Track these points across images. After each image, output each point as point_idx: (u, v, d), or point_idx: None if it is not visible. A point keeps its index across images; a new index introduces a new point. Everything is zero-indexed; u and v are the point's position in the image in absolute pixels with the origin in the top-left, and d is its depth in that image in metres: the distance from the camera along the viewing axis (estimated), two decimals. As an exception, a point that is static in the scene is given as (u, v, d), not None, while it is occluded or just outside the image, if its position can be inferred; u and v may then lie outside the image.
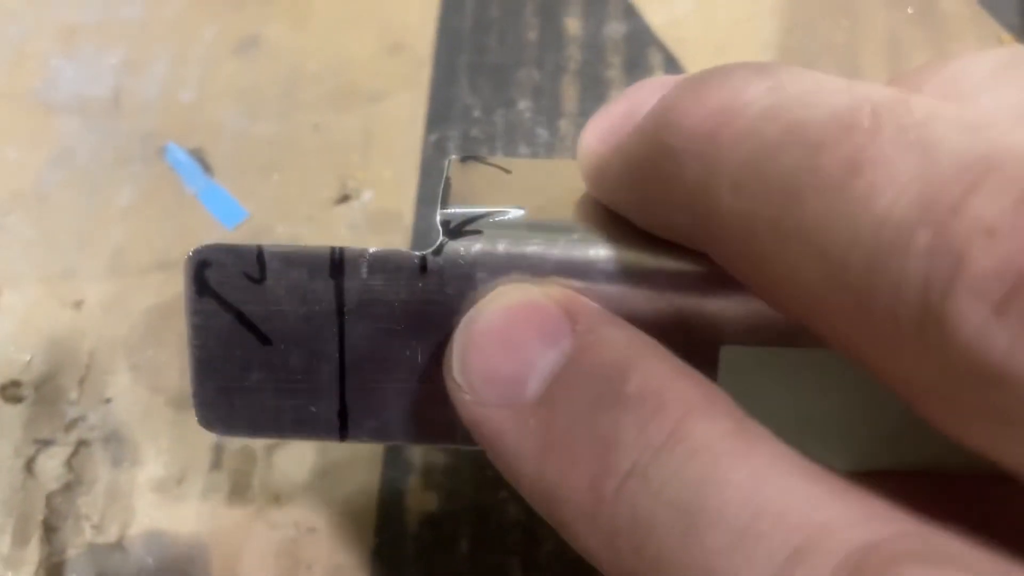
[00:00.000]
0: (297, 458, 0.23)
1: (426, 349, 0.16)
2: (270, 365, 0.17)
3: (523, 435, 0.14)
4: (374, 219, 0.25)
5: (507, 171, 0.17)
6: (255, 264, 0.16)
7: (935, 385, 0.11)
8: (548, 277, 0.16)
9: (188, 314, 0.16)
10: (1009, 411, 0.10)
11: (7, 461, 0.23)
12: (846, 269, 0.11)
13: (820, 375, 0.16)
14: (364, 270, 0.16)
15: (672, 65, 0.27)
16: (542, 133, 0.26)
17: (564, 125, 0.26)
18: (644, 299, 0.16)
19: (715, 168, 0.13)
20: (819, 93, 0.12)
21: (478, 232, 0.16)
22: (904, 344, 0.11)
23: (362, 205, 0.25)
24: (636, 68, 0.27)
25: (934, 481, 0.15)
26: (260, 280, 0.16)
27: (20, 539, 0.22)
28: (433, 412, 0.17)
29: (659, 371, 0.13)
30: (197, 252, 0.16)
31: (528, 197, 0.16)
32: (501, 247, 0.16)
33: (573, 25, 0.28)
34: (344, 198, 0.26)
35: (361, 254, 0.16)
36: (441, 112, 0.27)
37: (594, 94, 0.27)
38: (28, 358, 0.24)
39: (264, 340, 0.16)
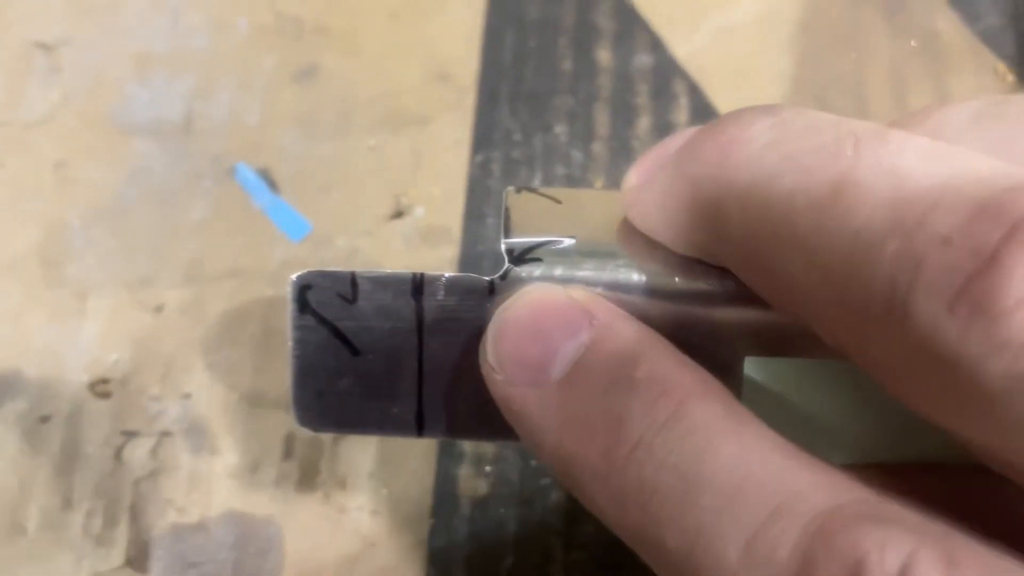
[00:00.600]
0: (360, 448, 0.25)
1: None
2: (358, 373, 0.19)
3: (546, 411, 0.16)
4: (426, 233, 0.28)
5: (558, 201, 0.20)
6: (348, 287, 0.19)
7: (902, 367, 0.13)
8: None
9: (290, 328, 0.19)
10: (962, 387, 0.12)
11: (98, 450, 0.25)
12: (830, 272, 0.14)
13: (827, 381, 0.19)
14: (440, 292, 0.19)
15: (695, 92, 0.29)
16: (577, 155, 0.29)
17: (597, 148, 0.29)
18: (677, 314, 0.18)
19: (725, 189, 0.15)
20: (813, 128, 0.15)
21: (538, 260, 0.18)
22: (876, 333, 0.13)
23: (414, 220, 0.28)
24: (662, 96, 0.30)
25: (922, 471, 0.17)
26: (352, 300, 0.19)
27: (110, 521, 0.25)
28: (494, 412, 0.19)
29: (664, 361, 0.16)
30: (300, 277, 0.19)
31: (577, 226, 0.19)
32: (558, 272, 0.18)
33: (604, 57, 0.30)
34: (398, 214, 0.28)
35: (438, 278, 0.19)
36: (484, 135, 0.29)
37: (624, 119, 0.29)
38: (114, 358, 0.26)
39: (354, 351, 0.19)
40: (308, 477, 0.25)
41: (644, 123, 0.29)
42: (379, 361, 0.19)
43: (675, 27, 0.31)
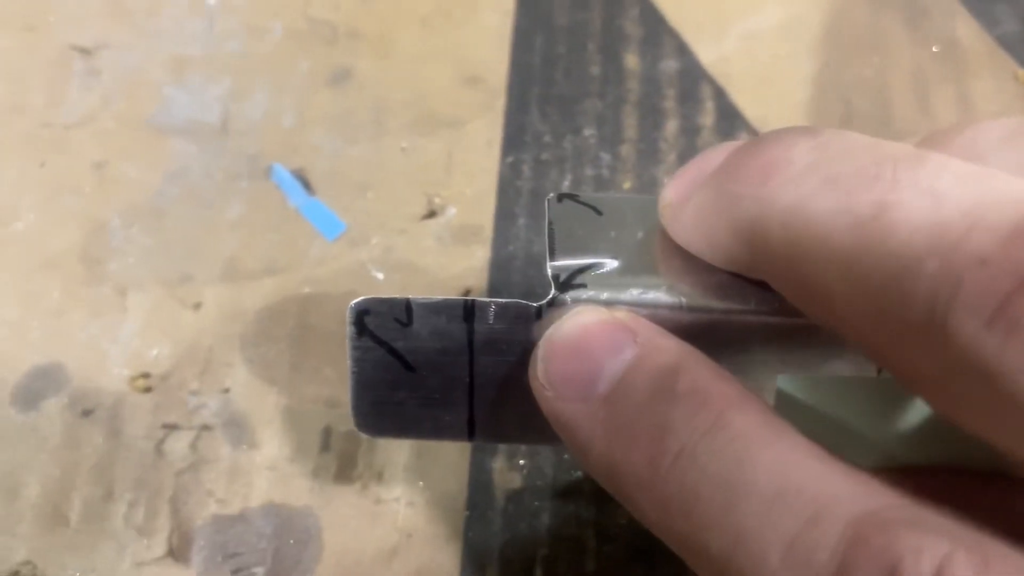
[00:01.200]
0: (397, 442, 0.26)
1: None
2: (413, 386, 0.20)
3: (593, 424, 0.17)
4: (458, 232, 0.28)
5: (599, 212, 0.20)
6: (404, 312, 0.20)
7: (941, 379, 0.14)
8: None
9: (349, 348, 0.20)
10: (999, 399, 0.13)
11: (139, 443, 0.26)
12: (870, 288, 0.14)
13: (854, 394, 0.20)
14: (490, 317, 0.20)
15: (721, 96, 0.30)
16: (605, 157, 0.29)
17: (625, 150, 0.29)
18: (715, 334, 0.19)
19: (767, 209, 0.16)
20: (853, 151, 0.15)
21: (583, 285, 0.19)
22: (915, 346, 0.14)
23: (447, 220, 0.29)
24: (689, 99, 0.30)
25: (952, 474, 0.18)
26: (407, 324, 0.20)
27: (151, 512, 0.25)
28: (539, 421, 0.20)
29: (704, 374, 0.17)
30: (357, 303, 0.20)
31: (619, 242, 0.20)
32: (603, 296, 0.19)
33: (632, 61, 0.31)
34: (431, 213, 0.29)
35: (488, 305, 0.20)
36: (515, 137, 0.30)
37: (652, 122, 0.30)
38: (154, 353, 0.27)
39: (409, 367, 0.20)
40: (346, 469, 0.25)
41: (672, 126, 0.30)
42: (432, 376, 0.20)
43: (701, 33, 0.31)
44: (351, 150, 0.30)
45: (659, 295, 0.19)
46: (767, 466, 0.15)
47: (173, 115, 0.31)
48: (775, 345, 0.19)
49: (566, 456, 0.25)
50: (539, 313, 0.19)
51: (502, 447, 0.25)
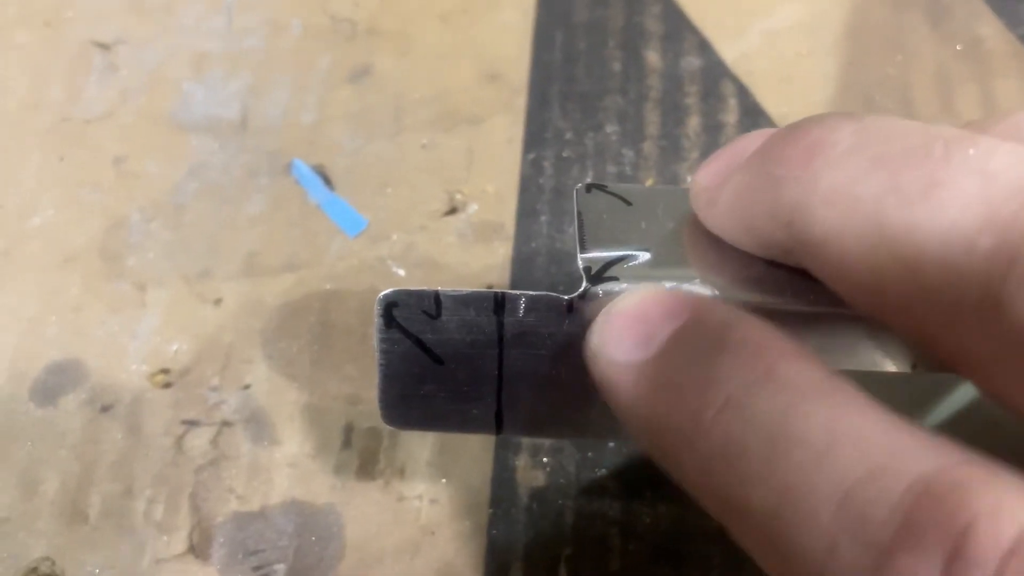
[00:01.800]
0: (419, 438, 0.25)
1: (568, 368, 0.20)
2: (441, 379, 0.20)
3: (641, 382, 0.17)
4: (479, 229, 0.28)
5: (628, 203, 0.20)
6: (432, 304, 0.19)
7: (995, 358, 0.13)
8: None
9: (377, 340, 0.20)
10: None
11: (159, 439, 0.26)
12: (921, 267, 0.14)
13: (889, 392, 0.20)
14: (521, 310, 0.19)
15: (744, 94, 0.30)
16: (628, 153, 0.29)
17: (647, 147, 0.29)
18: None
19: (810, 189, 0.15)
20: (900, 132, 0.15)
21: (615, 278, 0.19)
22: (968, 326, 0.13)
23: (468, 216, 0.28)
24: (711, 97, 0.30)
25: None
26: (436, 316, 0.19)
27: (172, 508, 0.25)
28: (568, 414, 0.20)
29: (759, 328, 0.16)
30: (386, 295, 0.19)
31: (650, 232, 0.20)
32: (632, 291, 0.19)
33: (653, 58, 0.31)
34: (452, 210, 0.28)
35: (518, 297, 0.19)
36: (536, 134, 0.30)
37: (674, 119, 0.30)
38: (174, 349, 0.27)
39: (437, 360, 0.20)
40: (367, 466, 0.25)
41: (694, 123, 0.29)
42: (461, 369, 0.20)
43: (723, 30, 0.31)
44: (371, 147, 0.30)
45: (692, 287, 0.19)
46: (820, 418, 0.14)
47: (192, 111, 0.30)
48: (811, 337, 0.18)
49: (590, 454, 0.25)
50: (570, 306, 0.19)
51: (526, 443, 0.25)
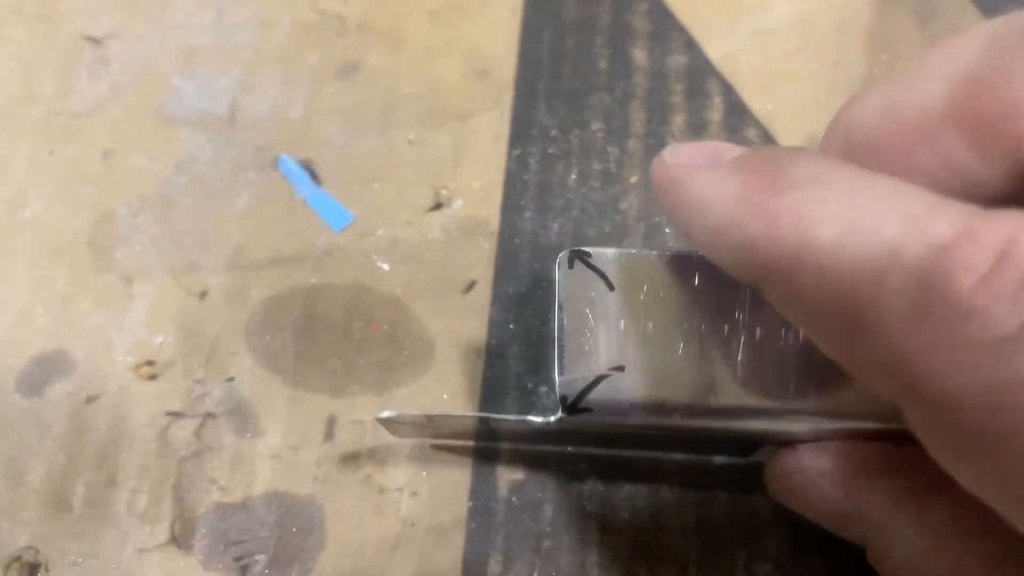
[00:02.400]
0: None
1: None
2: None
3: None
4: (464, 225, 0.28)
5: (611, 286, 0.20)
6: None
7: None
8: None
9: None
10: None
11: (143, 430, 0.26)
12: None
13: None
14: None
15: (729, 92, 0.30)
16: (613, 151, 0.29)
17: (632, 144, 0.29)
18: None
19: (798, 286, 0.15)
20: (855, 233, 0.15)
21: (588, 410, 0.20)
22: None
23: (453, 212, 0.29)
24: (697, 95, 0.30)
25: None
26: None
27: (154, 499, 0.25)
28: None
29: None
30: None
31: (630, 337, 0.20)
32: (603, 422, 0.20)
33: (640, 56, 0.31)
34: (437, 205, 0.29)
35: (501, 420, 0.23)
36: (522, 131, 0.30)
37: (659, 117, 0.30)
38: (159, 341, 0.27)
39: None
40: (349, 458, 0.25)
41: (679, 121, 0.30)
42: None
43: (710, 29, 0.31)
44: (359, 142, 0.30)
45: (662, 419, 0.20)
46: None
47: (182, 105, 0.31)
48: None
49: (570, 448, 0.25)
50: (550, 424, 0.21)
51: (506, 436, 0.25)
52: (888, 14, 0.32)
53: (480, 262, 0.28)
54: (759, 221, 0.16)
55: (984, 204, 0.14)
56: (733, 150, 0.18)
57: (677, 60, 0.31)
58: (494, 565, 0.24)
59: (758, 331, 0.20)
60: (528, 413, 0.25)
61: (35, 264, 0.28)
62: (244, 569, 0.24)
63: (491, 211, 0.28)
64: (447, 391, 0.26)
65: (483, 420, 0.23)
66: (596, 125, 0.30)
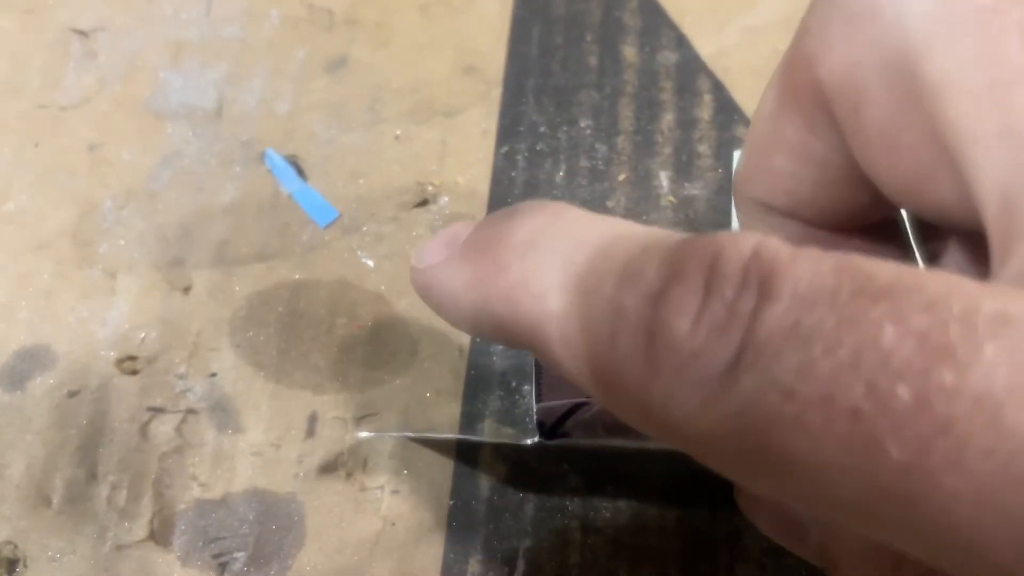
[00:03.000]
0: (383, 429, 0.25)
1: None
2: None
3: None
4: (450, 221, 0.28)
5: None
6: None
7: None
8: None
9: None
10: None
11: (124, 425, 0.26)
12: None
13: None
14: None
15: (719, 90, 0.30)
16: (601, 148, 0.29)
17: (621, 141, 0.29)
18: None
19: (554, 357, 0.15)
20: (581, 295, 0.15)
21: (566, 435, 0.20)
22: None
23: (439, 208, 0.28)
24: (686, 92, 0.30)
25: None
26: None
27: (134, 495, 0.25)
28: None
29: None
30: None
31: None
32: (581, 445, 0.21)
33: (630, 53, 0.31)
34: (423, 202, 0.28)
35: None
36: (510, 128, 0.29)
37: (648, 114, 0.30)
38: (142, 336, 0.27)
39: None
40: (331, 456, 0.25)
41: (668, 119, 0.29)
42: None
43: (700, 26, 0.31)
44: (345, 137, 0.30)
45: (641, 443, 0.20)
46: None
47: (169, 99, 0.30)
48: None
49: (551, 448, 0.25)
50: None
51: (488, 435, 0.25)
52: (881, 12, 0.31)
53: (465, 259, 0.27)
54: (500, 303, 0.16)
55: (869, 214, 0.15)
56: (465, 231, 0.18)
57: (667, 57, 0.31)
58: (474, 565, 0.24)
59: None
60: (511, 412, 0.25)
61: (18, 257, 0.28)
62: (223, 567, 0.24)
63: (478, 208, 0.28)
64: (430, 389, 0.26)
65: (462, 441, 0.23)
66: (585, 122, 0.30)
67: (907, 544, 0.12)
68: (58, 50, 0.31)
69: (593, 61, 0.31)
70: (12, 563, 0.24)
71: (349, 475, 0.25)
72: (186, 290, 0.27)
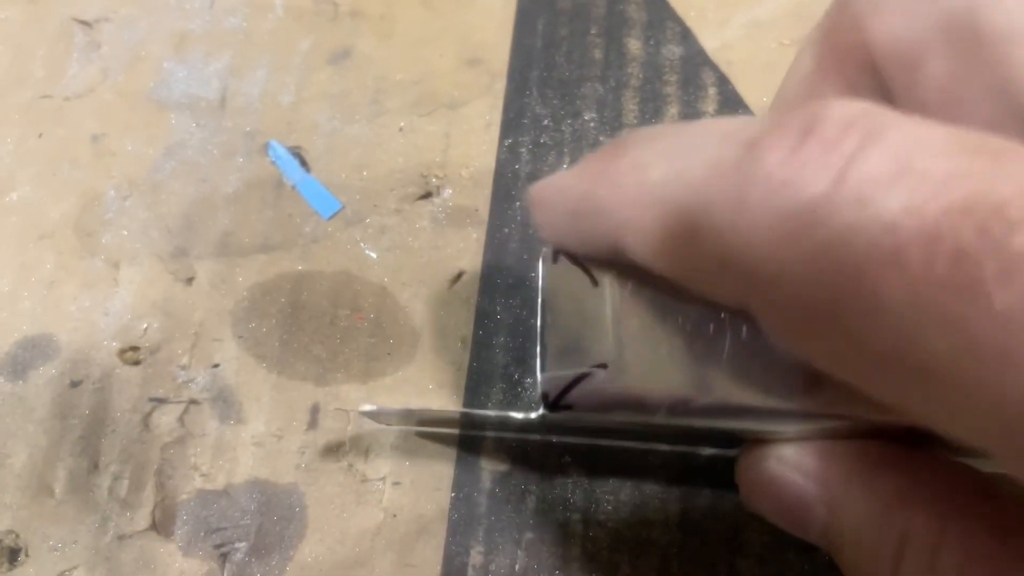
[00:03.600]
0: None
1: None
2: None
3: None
4: (453, 214, 0.28)
5: (595, 282, 0.20)
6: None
7: None
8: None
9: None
10: None
11: (126, 416, 0.26)
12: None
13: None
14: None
15: (723, 83, 0.30)
16: (605, 141, 0.29)
17: (625, 135, 0.29)
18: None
19: (647, 232, 0.16)
20: (680, 159, 0.16)
21: (569, 407, 0.20)
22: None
23: (443, 201, 0.28)
24: (691, 86, 0.30)
25: None
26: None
27: (136, 485, 0.25)
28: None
29: None
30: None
31: (614, 332, 0.20)
32: (586, 419, 0.20)
33: (634, 46, 0.31)
34: (427, 194, 0.28)
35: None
36: (514, 120, 0.29)
37: (652, 107, 0.29)
38: (145, 326, 0.27)
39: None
40: (332, 447, 0.25)
41: (673, 112, 0.29)
42: None
43: (705, 20, 0.31)
44: (349, 129, 0.29)
45: (646, 417, 0.20)
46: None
47: (172, 90, 0.30)
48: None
49: (554, 439, 0.25)
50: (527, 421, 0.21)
51: (491, 426, 0.25)
52: (886, 7, 0.31)
53: (468, 252, 0.27)
54: (604, 186, 0.16)
55: None
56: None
57: (672, 50, 0.30)
58: (475, 557, 0.24)
59: (744, 330, 0.19)
60: (514, 404, 0.25)
61: (21, 247, 0.28)
62: (224, 557, 0.24)
63: (481, 201, 0.28)
64: (432, 381, 0.26)
65: (465, 415, 0.23)
66: (589, 115, 0.29)
67: (968, 416, 0.11)
68: (61, 40, 0.31)
69: (598, 54, 0.30)
70: (14, 552, 0.24)
71: (351, 466, 0.25)
72: (189, 281, 0.27)
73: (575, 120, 0.29)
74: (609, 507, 0.24)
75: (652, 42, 0.31)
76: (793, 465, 0.19)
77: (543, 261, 0.20)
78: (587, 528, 0.24)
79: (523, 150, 0.29)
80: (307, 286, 0.27)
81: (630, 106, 0.30)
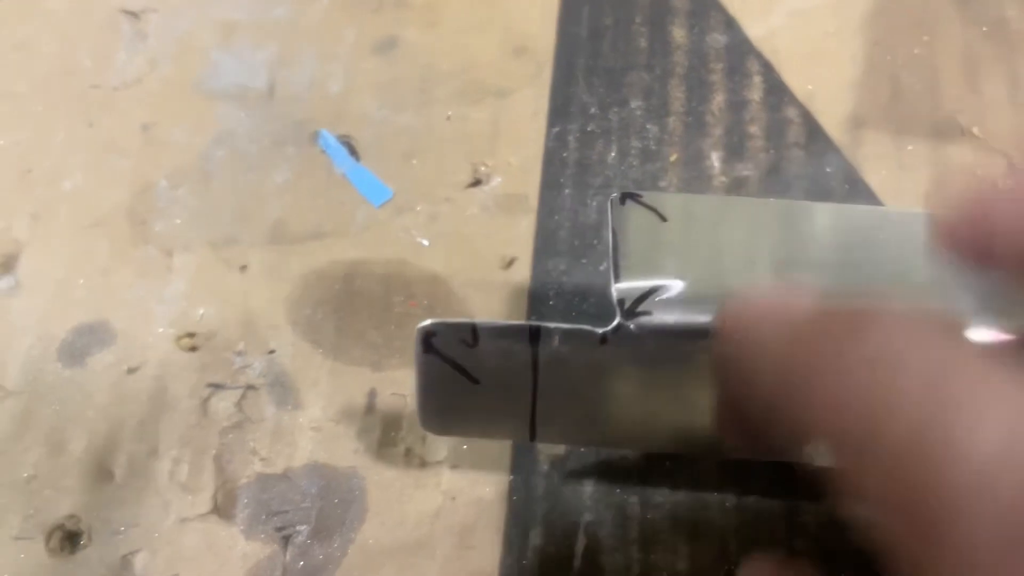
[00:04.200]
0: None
1: (596, 388, 0.21)
2: (478, 396, 0.21)
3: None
4: (502, 201, 0.28)
5: (663, 218, 0.21)
6: (470, 334, 0.20)
7: None
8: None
9: (416, 364, 0.21)
10: None
11: (184, 401, 0.26)
12: None
13: None
14: (556, 341, 0.20)
15: (768, 72, 0.30)
16: (652, 129, 0.29)
17: (672, 122, 0.29)
18: None
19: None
20: None
21: (647, 312, 0.20)
22: None
23: (492, 189, 0.29)
24: (736, 74, 0.30)
25: None
26: (473, 344, 0.21)
27: (196, 469, 0.25)
28: (595, 426, 0.22)
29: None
30: (423, 327, 0.20)
31: (685, 256, 0.20)
32: (669, 320, 0.20)
33: (679, 34, 0.31)
34: (476, 182, 0.29)
35: (554, 331, 0.20)
36: (561, 108, 0.30)
37: (699, 95, 0.30)
38: (200, 313, 0.27)
39: (474, 380, 0.21)
40: (390, 431, 0.25)
41: (718, 99, 0.30)
42: (497, 388, 0.21)
43: (749, 8, 0.31)
44: (397, 118, 0.30)
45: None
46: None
47: (220, 79, 0.31)
48: None
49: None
50: (604, 339, 0.20)
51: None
52: (928, -5, 0.31)
53: (519, 239, 0.28)
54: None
55: None
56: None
57: (716, 39, 0.31)
58: (535, 538, 0.24)
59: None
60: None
61: (74, 236, 0.28)
62: (286, 539, 0.24)
63: (530, 188, 0.28)
64: (487, 366, 0.26)
65: (533, 331, 0.21)
66: (635, 103, 0.30)
67: None
68: (109, 31, 0.32)
69: (643, 42, 0.31)
70: (75, 536, 0.24)
71: (408, 450, 0.25)
72: (242, 268, 0.28)
73: (622, 108, 0.30)
74: (666, 489, 0.24)
75: (696, 30, 0.31)
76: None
77: (611, 205, 0.21)
78: (644, 510, 0.24)
79: (571, 138, 0.29)
80: (360, 273, 0.27)
81: (676, 94, 0.30)
